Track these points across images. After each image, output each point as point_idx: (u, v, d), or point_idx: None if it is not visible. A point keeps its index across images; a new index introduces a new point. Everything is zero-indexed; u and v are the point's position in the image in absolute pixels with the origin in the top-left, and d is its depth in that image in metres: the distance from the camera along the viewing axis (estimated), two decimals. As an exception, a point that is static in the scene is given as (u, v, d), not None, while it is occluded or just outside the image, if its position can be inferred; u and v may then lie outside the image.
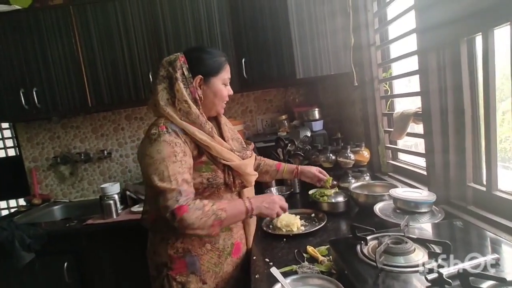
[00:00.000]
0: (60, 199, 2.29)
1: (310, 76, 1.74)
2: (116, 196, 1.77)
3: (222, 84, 1.05)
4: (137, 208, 1.75)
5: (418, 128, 1.30)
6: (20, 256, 1.60)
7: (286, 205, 1.08)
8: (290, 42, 1.68)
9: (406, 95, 1.39)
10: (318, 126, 1.94)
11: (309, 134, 1.84)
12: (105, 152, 2.22)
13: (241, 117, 2.26)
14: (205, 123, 0.99)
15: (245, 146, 1.15)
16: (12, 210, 2.38)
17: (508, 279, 0.57)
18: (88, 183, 2.31)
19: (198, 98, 0.99)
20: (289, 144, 1.73)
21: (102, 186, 1.79)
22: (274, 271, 0.76)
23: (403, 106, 1.50)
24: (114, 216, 1.70)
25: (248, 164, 1.08)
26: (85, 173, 2.30)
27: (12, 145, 2.44)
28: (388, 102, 1.58)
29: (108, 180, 2.27)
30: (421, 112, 1.19)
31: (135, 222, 1.62)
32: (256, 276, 0.91)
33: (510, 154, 1.10)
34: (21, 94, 1.85)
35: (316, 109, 1.98)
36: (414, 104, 1.35)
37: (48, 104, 1.88)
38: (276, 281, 0.76)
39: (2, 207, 2.58)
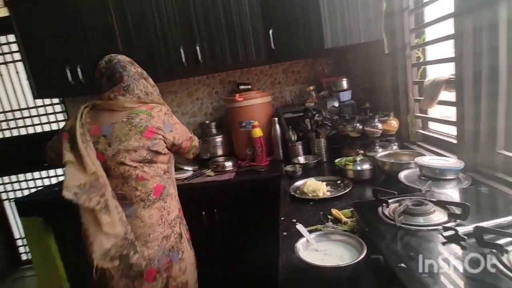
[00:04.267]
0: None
1: (339, 46, 1.72)
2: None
3: None
4: (175, 175, 1.90)
5: (451, 96, 1.27)
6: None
7: None
8: (318, 9, 1.65)
9: (439, 61, 1.34)
10: (346, 96, 1.93)
11: (337, 104, 1.85)
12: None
13: (269, 89, 2.30)
14: None
15: None
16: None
17: (522, 235, 0.60)
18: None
19: None
20: (317, 115, 1.76)
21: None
22: (300, 227, 0.85)
23: (435, 73, 1.45)
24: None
25: None
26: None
27: (63, 119, 2.70)
28: (420, 70, 1.53)
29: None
30: (453, 79, 1.16)
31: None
32: (284, 233, 1.01)
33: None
34: (68, 71, 2.01)
35: (345, 79, 1.95)
36: (447, 72, 1.30)
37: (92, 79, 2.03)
38: (301, 236, 0.84)
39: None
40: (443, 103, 1.29)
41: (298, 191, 1.31)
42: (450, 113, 1.53)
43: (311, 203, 1.21)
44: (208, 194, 1.80)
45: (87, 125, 1.11)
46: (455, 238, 0.67)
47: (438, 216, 0.78)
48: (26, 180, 2.85)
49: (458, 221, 0.74)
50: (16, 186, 2.87)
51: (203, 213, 1.81)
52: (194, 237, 1.87)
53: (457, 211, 0.77)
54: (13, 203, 2.43)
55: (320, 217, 1.08)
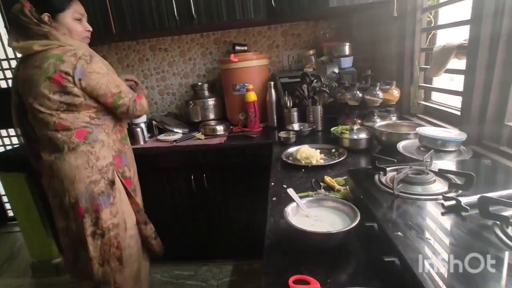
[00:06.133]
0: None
1: (345, 4, 1.58)
2: (143, 125, 1.85)
3: (73, 19, 1.14)
4: (163, 136, 1.83)
5: (459, 64, 1.19)
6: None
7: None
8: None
9: (452, 24, 1.23)
10: (347, 63, 1.83)
11: (337, 70, 1.74)
12: (132, 83, 2.24)
13: (267, 52, 2.16)
14: None
15: None
16: None
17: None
18: (117, 113, 2.40)
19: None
20: (315, 80, 1.66)
21: (129, 114, 1.86)
22: (291, 191, 0.79)
23: (446, 40, 1.35)
24: (142, 143, 1.80)
25: None
26: (113, 103, 2.38)
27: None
28: (430, 35, 1.43)
29: (135, 111, 2.35)
30: (466, 45, 1.07)
31: (161, 149, 1.73)
32: (273, 199, 0.96)
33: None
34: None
35: (347, 43, 1.83)
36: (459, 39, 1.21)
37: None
38: (291, 202, 0.79)
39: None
40: (451, 71, 1.21)
41: (290, 158, 1.26)
42: (454, 86, 1.46)
43: (303, 170, 1.16)
44: (197, 158, 1.74)
45: (20, 74, 1.15)
46: (457, 208, 0.62)
47: (438, 186, 0.73)
48: (9, 136, 2.74)
49: (460, 191, 0.69)
50: (-1, 142, 2.77)
51: (192, 177, 1.76)
52: (181, 200, 1.85)
53: (459, 181, 0.72)
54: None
55: (312, 184, 1.03)
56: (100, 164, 1.19)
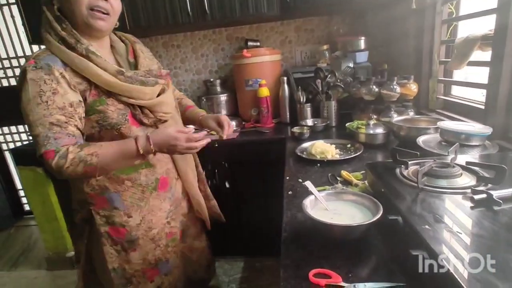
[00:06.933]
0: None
1: (361, -2, 1.55)
2: (156, 120, 1.85)
3: None
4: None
5: (483, 56, 1.14)
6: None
7: (194, 146, 0.87)
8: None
9: (476, 14, 1.17)
10: (362, 57, 1.79)
11: (351, 65, 1.71)
12: (144, 79, 2.26)
13: (279, 48, 2.14)
14: (75, 43, 0.83)
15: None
16: None
17: None
18: (129, 109, 2.42)
19: (57, 14, 0.83)
20: (329, 75, 1.63)
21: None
22: (308, 184, 0.77)
23: (467, 31, 1.30)
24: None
25: (161, 102, 0.95)
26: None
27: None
28: (451, 28, 1.37)
29: (147, 107, 2.36)
30: (491, 35, 1.02)
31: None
32: (289, 192, 0.94)
33: None
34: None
35: (363, 38, 1.79)
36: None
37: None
38: (308, 196, 0.77)
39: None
40: (474, 63, 1.16)
41: (305, 152, 1.24)
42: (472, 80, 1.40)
43: (319, 164, 1.14)
44: (209, 153, 1.72)
45: None
46: (488, 202, 0.59)
47: (465, 180, 0.70)
48: (25, 132, 2.80)
49: (489, 185, 0.65)
50: (16, 137, 2.83)
51: (204, 172, 1.75)
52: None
53: (488, 175, 0.69)
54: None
55: (328, 179, 1.01)
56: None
